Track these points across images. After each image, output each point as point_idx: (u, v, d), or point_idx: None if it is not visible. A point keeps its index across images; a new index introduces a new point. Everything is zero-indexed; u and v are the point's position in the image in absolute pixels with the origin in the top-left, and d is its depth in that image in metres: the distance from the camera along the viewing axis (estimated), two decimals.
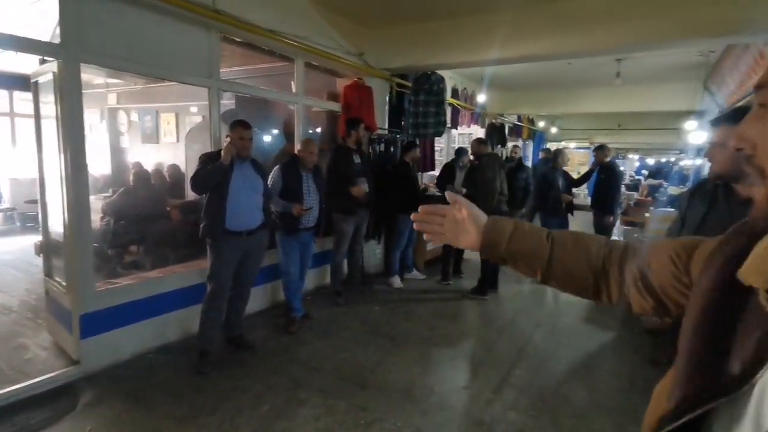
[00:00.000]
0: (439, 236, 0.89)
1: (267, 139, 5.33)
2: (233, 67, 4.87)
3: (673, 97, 7.91)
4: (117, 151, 6.33)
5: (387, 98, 5.65)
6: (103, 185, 5.51)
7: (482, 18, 4.49)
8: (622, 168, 7.23)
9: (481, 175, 4.56)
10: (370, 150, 5.19)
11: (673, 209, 4.81)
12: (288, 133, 4.54)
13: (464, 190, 4.90)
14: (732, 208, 1.60)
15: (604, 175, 5.38)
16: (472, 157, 4.97)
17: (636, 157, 22.32)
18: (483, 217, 0.86)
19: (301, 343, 3.44)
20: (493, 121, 8.96)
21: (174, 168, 5.27)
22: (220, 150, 3.05)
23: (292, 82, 4.47)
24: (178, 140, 5.83)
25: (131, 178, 4.58)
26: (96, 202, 4.19)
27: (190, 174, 3.26)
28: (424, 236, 0.91)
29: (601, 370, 3.24)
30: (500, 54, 4.50)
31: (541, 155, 8.16)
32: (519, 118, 10.77)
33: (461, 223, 0.86)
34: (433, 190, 5.97)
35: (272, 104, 5.28)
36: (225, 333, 3.27)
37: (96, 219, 4.12)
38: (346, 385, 2.86)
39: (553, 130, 12.36)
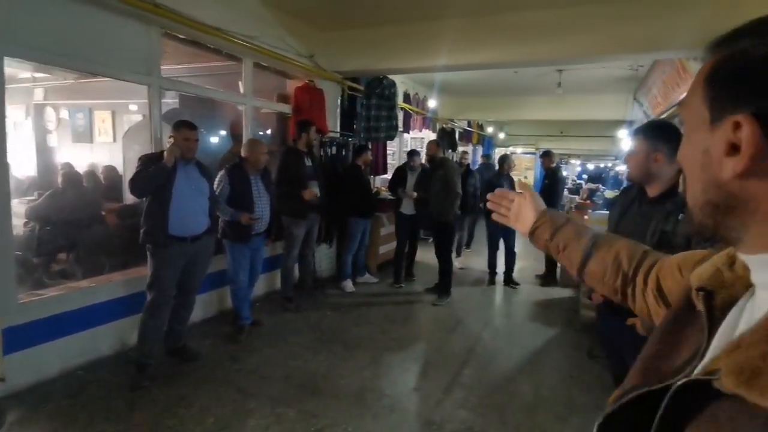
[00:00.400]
0: (505, 218, 0.99)
1: (214, 140, 5.14)
2: (177, 64, 4.66)
3: (607, 107, 8.48)
4: (44, 151, 5.83)
5: (339, 101, 5.63)
6: (27, 188, 5.05)
7: (431, 25, 4.59)
8: (565, 173, 7.64)
9: (435, 178, 4.64)
10: (322, 153, 5.14)
11: (607, 212, 5.15)
12: (235, 135, 4.40)
13: (415, 194, 4.98)
14: (642, 209, 1.75)
15: (549, 180, 5.69)
16: (424, 161, 5.06)
17: (578, 162, 23.67)
18: (542, 206, 0.95)
19: (250, 352, 3.33)
20: (444, 125, 9.17)
21: (110, 169, 4.95)
22: (162, 151, 2.89)
23: (240, 83, 4.34)
24: (114, 140, 5.48)
25: (59, 179, 4.24)
26: (19, 206, 3.85)
27: (128, 176, 3.07)
28: (492, 216, 1.02)
29: (545, 365, 3.39)
30: (448, 61, 4.62)
31: (481, 161, 8.45)
32: (469, 124, 11.11)
33: (523, 207, 0.95)
34: (386, 194, 6.02)
35: (219, 105, 5.10)
36: (167, 344, 3.10)
37: (19, 224, 3.78)
38: (296, 393, 2.80)
39: (501, 135, 12.85)
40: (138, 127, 4.72)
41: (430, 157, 4.83)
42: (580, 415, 2.69)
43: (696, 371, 0.43)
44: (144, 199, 2.87)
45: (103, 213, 4.21)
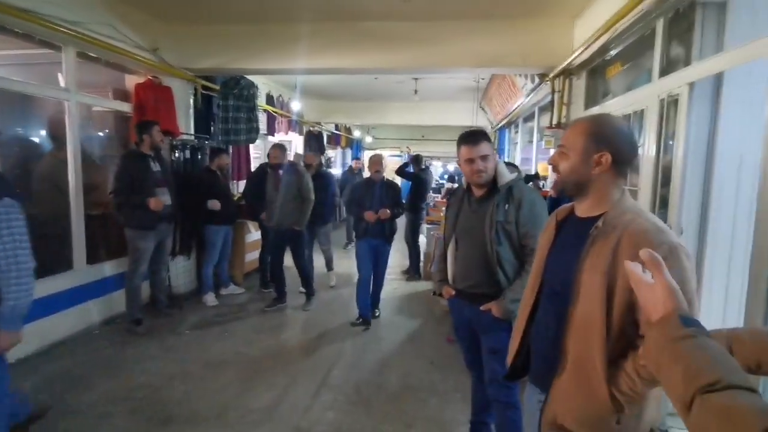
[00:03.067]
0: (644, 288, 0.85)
1: (30, 141, 4.29)
2: None
3: (458, 114, 9.42)
4: None
5: (192, 101, 5.19)
6: None
7: (290, 27, 4.53)
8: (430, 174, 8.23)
9: (284, 185, 4.36)
10: (173, 157, 4.68)
11: None
12: (56, 136, 3.72)
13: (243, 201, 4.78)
14: (473, 207, 2.02)
15: (415, 183, 6.09)
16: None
17: (440, 164, 25.81)
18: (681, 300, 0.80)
19: (84, 389, 2.85)
20: (311, 129, 9.14)
21: None
22: None
23: (60, 74, 3.71)
24: None
25: None
26: None
27: None
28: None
29: (408, 354, 3.59)
30: (308, 64, 4.62)
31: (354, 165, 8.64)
32: (337, 127, 11.26)
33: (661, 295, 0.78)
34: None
35: (35, 100, 4.27)
36: None
37: None
38: (142, 427, 2.48)
39: (369, 139, 13.32)
40: None
41: (275, 164, 4.44)
42: (439, 397, 2.91)
43: None
44: None
45: None
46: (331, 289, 5.29)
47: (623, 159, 1.13)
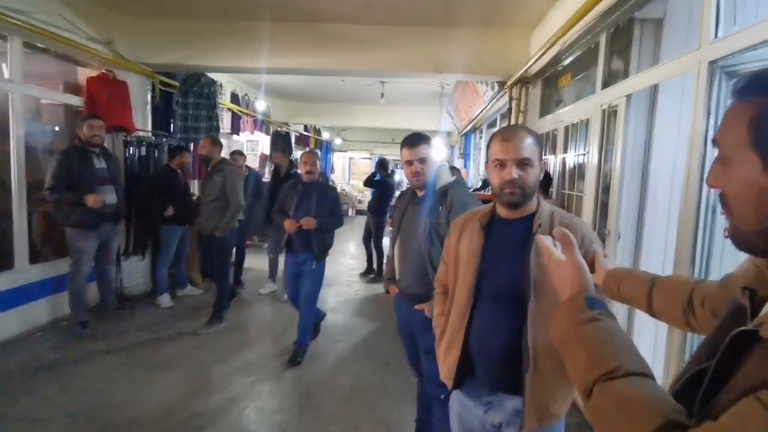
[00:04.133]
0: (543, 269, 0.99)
1: None
2: None
3: (425, 118, 9.54)
4: None
5: (149, 97, 5.05)
6: None
7: (252, 25, 4.48)
8: (397, 177, 8.28)
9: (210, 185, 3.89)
10: (127, 153, 4.54)
11: None
12: None
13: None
14: (414, 208, 2.08)
15: (380, 186, 6.12)
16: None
17: None
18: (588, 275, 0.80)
19: (22, 394, 2.72)
20: (278, 129, 9.05)
21: None
22: None
23: (4, 65, 3.54)
24: None
25: None
26: None
27: None
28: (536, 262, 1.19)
29: (363, 357, 3.60)
30: (270, 63, 4.57)
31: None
32: (306, 128, 11.18)
33: (569, 271, 0.80)
34: None
35: None
36: None
37: None
38: None
39: (338, 141, 13.29)
40: None
41: (203, 158, 3.98)
42: (389, 398, 2.93)
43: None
44: None
45: None
46: None
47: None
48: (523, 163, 1.21)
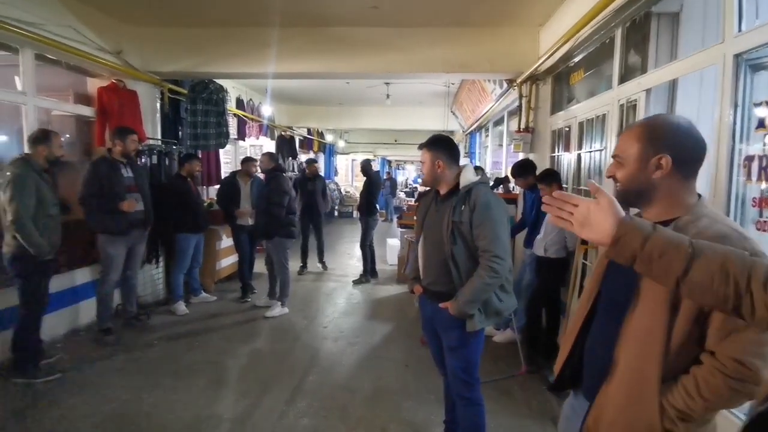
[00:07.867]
0: (566, 224, 0.92)
1: None
2: None
3: (430, 118, 9.54)
4: None
5: (158, 105, 5.06)
6: None
7: (259, 31, 4.49)
8: (401, 177, 8.28)
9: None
10: (139, 162, 4.54)
11: None
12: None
13: (252, 210, 4.74)
14: (437, 206, 2.11)
15: (366, 182, 6.12)
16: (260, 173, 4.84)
17: (413, 167, 26.00)
18: (621, 212, 0.87)
19: (48, 406, 2.72)
20: (283, 133, 9.06)
21: None
22: None
23: (17, 77, 3.55)
24: None
25: None
26: None
27: None
28: (549, 219, 0.97)
29: (382, 359, 3.60)
30: (278, 68, 4.58)
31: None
32: (309, 131, 11.20)
33: (598, 212, 0.87)
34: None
35: None
36: None
37: None
38: None
39: (341, 143, 13.30)
40: None
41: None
42: (413, 399, 2.93)
43: None
44: None
45: None
46: (306, 291, 5.24)
47: (686, 158, 1.03)
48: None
